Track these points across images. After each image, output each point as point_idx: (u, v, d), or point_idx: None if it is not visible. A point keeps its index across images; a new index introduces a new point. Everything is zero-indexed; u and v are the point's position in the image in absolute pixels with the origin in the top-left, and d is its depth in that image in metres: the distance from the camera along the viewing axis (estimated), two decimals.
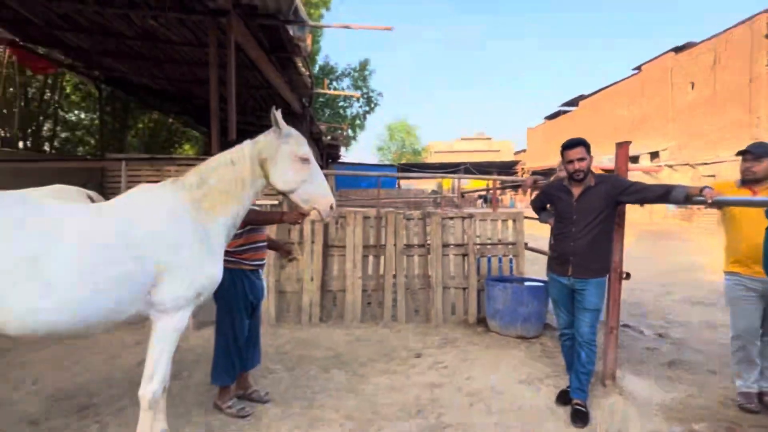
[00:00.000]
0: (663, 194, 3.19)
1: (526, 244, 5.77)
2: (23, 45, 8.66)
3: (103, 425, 3.12)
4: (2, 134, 10.54)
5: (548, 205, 3.78)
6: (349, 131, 21.63)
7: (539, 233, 6.08)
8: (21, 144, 11.42)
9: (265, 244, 3.47)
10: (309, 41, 7.92)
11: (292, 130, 2.75)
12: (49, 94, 12.47)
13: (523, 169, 39.98)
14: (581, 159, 3.29)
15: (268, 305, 5.44)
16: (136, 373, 3.99)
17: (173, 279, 2.42)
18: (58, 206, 2.32)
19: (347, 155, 27.41)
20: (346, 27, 7.51)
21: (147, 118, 16.76)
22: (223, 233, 2.67)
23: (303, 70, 9.01)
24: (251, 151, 2.69)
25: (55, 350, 4.55)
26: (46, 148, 12.71)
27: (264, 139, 2.72)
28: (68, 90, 13.47)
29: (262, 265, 3.45)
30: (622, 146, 3.68)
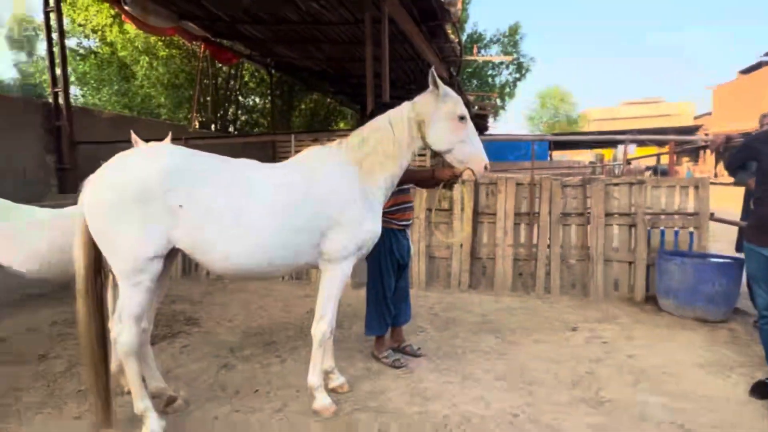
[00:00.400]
0: None
1: (711, 214, 4.94)
2: (213, 40, 10.13)
3: (282, 359, 3.62)
4: (200, 119, 12.59)
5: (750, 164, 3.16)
6: (497, 100, 20.80)
7: (725, 205, 5.18)
8: (213, 126, 13.52)
9: (411, 205, 3.57)
10: (459, 5, 7.75)
11: (450, 90, 2.77)
12: (232, 83, 14.46)
13: (706, 134, 34.04)
14: None
15: (418, 269, 5.65)
16: (305, 319, 4.54)
17: (340, 232, 2.65)
18: (254, 166, 2.69)
19: (495, 126, 26.43)
20: None
21: (308, 99, 18.35)
22: (381, 192, 2.82)
23: (452, 37, 8.88)
24: (409, 113, 2.76)
25: (244, 296, 5.40)
26: (231, 129, 14.83)
27: (422, 99, 2.77)
28: (246, 78, 15.42)
29: (408, 226, 3.58)
30: None
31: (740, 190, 4.76)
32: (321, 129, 16.48)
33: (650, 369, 3.38)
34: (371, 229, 2.77)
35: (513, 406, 2.88)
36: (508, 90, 22.71)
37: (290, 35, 9.23)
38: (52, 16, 6.80)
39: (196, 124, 10.85)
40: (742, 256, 4.57)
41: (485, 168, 2.77)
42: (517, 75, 22.72)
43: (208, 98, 13.17)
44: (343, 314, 4.51)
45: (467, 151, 2.75)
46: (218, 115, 13.89)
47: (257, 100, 17.25)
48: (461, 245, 5.56)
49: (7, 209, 2.98)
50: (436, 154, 3.05)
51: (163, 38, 12.09)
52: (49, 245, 2.88)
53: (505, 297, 5.26)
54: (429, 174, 3.26)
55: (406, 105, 2.80)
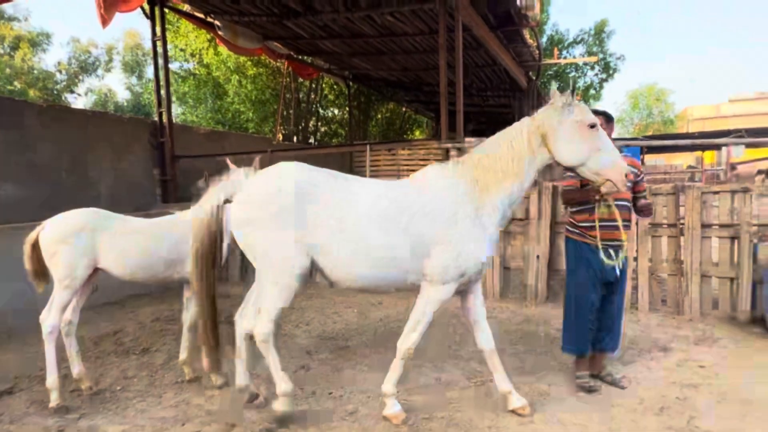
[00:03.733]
0: None
1: None
2: (295, 57, 10.73)
3: (355, 363, 3.73)
4: (283, 131, 13.37)
5: None
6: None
7: None
8: (294, 138, 14.26)
9: (616, 223, 3.03)
10: (537, 9, 7.55)
11: (575, 100, 2.62)
12: (312, 96, 15.18)
13: None
14: None
15: (492, 280, 5.54)
16: (378, 326, 4.64)
17: (443, 252, 2.61)
18: (370, 183, 2.89)
19: None
20: None
21: (384, 108, 18.73)
22: (498, 212, 2.70)
23: (530, 41, 8.65)
24: (529, 127, 2.65)
25: (319, 302, 5.63)
26: (311, 140, 15.54)
27: (543, 112, 2.65)
28: (325, 91, 16.11)
29: (612, 245, 3.11)
30: None
31: None
32: (395, 139, 16.69)
33: (760, 401, 3.02)
34: (475, 253, 2.64)
35: (593, 430, 2.73)
36: (593, 92, 21.55)
37: (366, 48, 9.54)
38: (159, 44, 7.61)
39: (280, 136, 11.52)
40: None
41: (626, 176, 2.57)
42: (604, 75, 21.49)
43: (291, 111, 13.92)
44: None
45: (602, 161, 2.55)
46: (299, 127, 14.62)
47: (335, 111, 17.92)
48: (537, 256, 5.37)
49: (108, 218, 3.31)
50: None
51: (251, 58, 13.00)
52: (140, 251, 3.20)
53: None
54: (593, 195, 2.98)
55: (525, 120, 2.71)
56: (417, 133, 23.16)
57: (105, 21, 6.54)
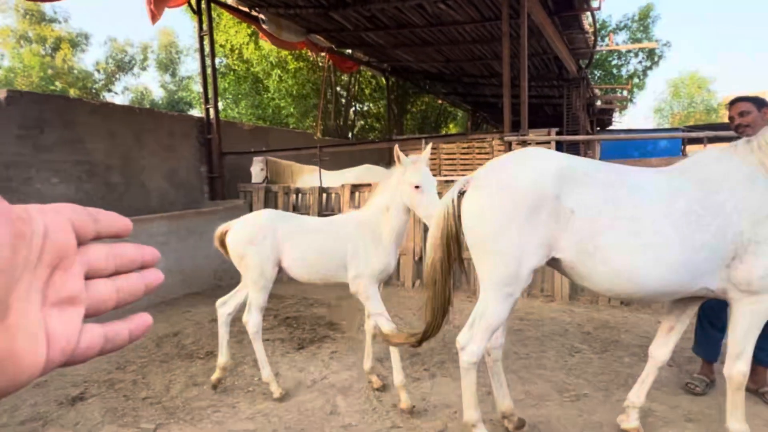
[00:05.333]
0: None
1: None
2: (336, 50, 10.54)
3: (431, 373, 3.51)
4: (323, 126, 13.26)
5: None
6: (625, 93, 18.96)
7: None
8: (334, 133, 14.14)
9: None
10: None
11: None
12: (351, 90, 15.01)
13: None
14: None
15: (561, 281, 5.23)
16: (446, 331, 4.38)
17: (759, 253, 2.13)
18: (636, 171, 2.41)
19: (621, 121, 24.18)
20: None
21: (419, 102, 18.41)
22: None
23: (588, 27, 8.19)
24: None
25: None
26: (349, 135, 15.40)
27: None
28: (363, 84, 15.91)
29: None
30: None
31: None
32: (454, 134, 16.41)
33: None
34: None
35: None
36: (637, 80, 20.67)
37: (411, 39, 9.25)
38: (206, 39, 7.53)
39: (319, 131, 11.39)
40: None
41: None
42: (648, 63, 20.60)
43: (330, 106, 13.78)
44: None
45: None
46: (338, 121, 14.48)
47: (372, 106, 17.72)
48: None
49: (287, 218, 3.25)
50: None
51: (292, 52, 12.90)
52: (315, 251, 3.07)
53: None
54: None
55: None
56: (451, 126, 22.75)
57: (154, 16, 6.48)
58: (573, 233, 2.22)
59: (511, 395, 2.72)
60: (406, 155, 2.84)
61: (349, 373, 3.54)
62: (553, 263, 2.40)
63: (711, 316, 3.15)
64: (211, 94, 7.50)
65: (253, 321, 3.15)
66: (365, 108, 17.31)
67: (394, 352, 2.96)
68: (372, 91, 16.45)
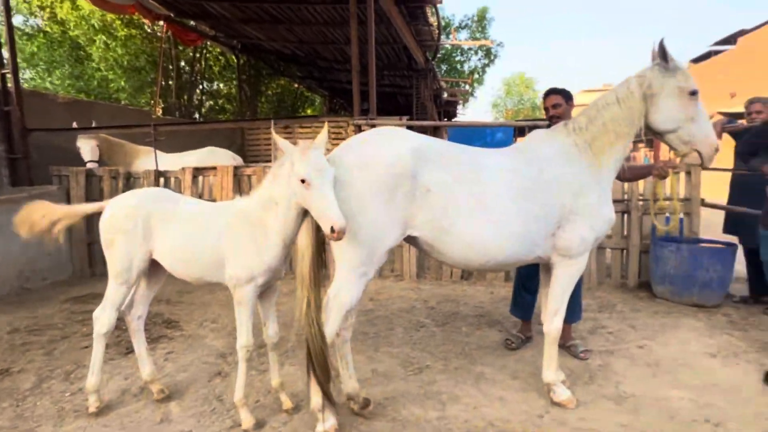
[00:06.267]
0: None
1: (702, 200, 4.96)
2: (176, 20, 9.49)
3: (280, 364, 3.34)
4: (164, 105, 11.87)
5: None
6: (467, 87, 20.73)
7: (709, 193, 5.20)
8: (177, 113, 12.80)
9: None
10: None
11: (679, 63, 2.54)
12: (197, 66, 13.71)
13: None
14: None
15: (409, 260, 5.46)
16: (291, 319, 4.27)
17: (578, 222, 2.49)
18: (485, 153, 2.57)
19: (464, 113, 26.41)
20: None
21: (275, 84, 17.70)
22: (612, 175, 2.65)
23: (432, 19, 8.63)
24: (638, 86, 2.53)
25: (224, 295, 5.05)
26: (196, 115, 14.10)
27: (650, 73, 2.54)
28: (211, 61, 14.67)
29: None
30: None
31: (720, 177, 4.79)
32: (301, 116, 15.95)
33: (664, 360, 3.32)
34: (609, 216, 2.61)
35: (534, 406, 2.74)
36: (477, 76, 22.72)
37: (259, 14, 8.75)
38: None
39: (159, 110, 10.19)
40: (730, 239, 4.65)
41: (716, 150, 2.55)
42: (486, 61, 22.77)
43: (171, 82, 12.42)
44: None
45: (695, 131, 2.50)
46: (182, 100, 13.15)
47: (221, 85, 16.49)
48: None
49: (161, 199, 2.66)
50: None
51: (121, 16, 11.24)
52: (184, 243, 2.53)
53: (500, 288, 5.14)
54: (647, 171, 3.10)
55: (632, 79, 2.57)
56: (309, 111, 22.41)
57: None
58: (428, 210, 2.33)
59: (357, 376, 2.72)
60: (294, 142, 2.26)
61: (185, 374, 3.21)
62: (411, 241, 2.49)
63: (525, 282, 3.56)
64: (8, 56, 6.13)
65: (105, 319, 2.64)
66: (214, 87, 16.03)
67: (272, 353, 2.72)
68: (221, 69, 15.29)
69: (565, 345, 3.47)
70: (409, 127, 5.83)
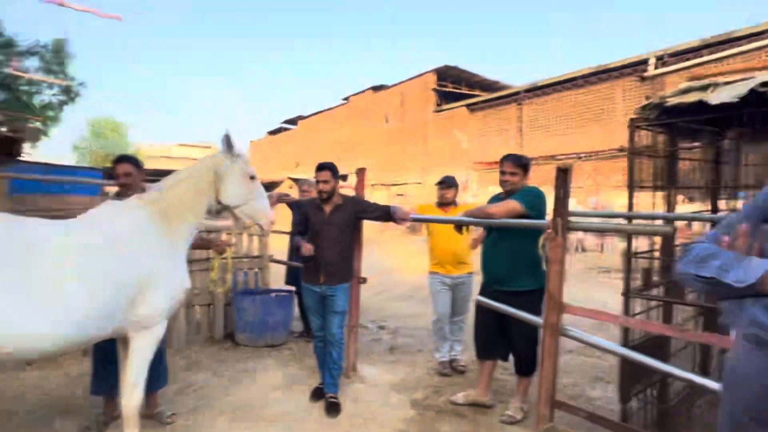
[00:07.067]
0: (386, 213, 3.96)
1: (271, 256, 6.03)
2: None
3: None
4: None
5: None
6: (39, 124, 17.31)
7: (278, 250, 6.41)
8: None
9: None
10: None
11: (242, 150, 3.04)
12: None
13: None
14: (326, 182, 3.78)
15: None
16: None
17: (154, 294, 2.59)
18: (45, 225, 2.38)
19: (32, 154, 21.67)
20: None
21: None
22: (186, 243, 2.88)
23: None
24: (207, 167, 2.93)
25: None
26: None
27: (219, 158, 2.96)
28: None
29: None
30: (361, 172, 4.41)
31: (284, 237, 6.05)
32: None
33: (245, 403, 3.77)
34: (184, 284, 2.80)
35: None
36: (51, 113, 19.40)
37: None
38: None
39: None
40: (291, 288, 5.84)
41: (272, 222, 3.17)
42: (64, 98, 19.82)
43: None
44: None
45: (256, 206, 3.05)
46: None
47: None
48: None
49: None
50: None
51: None
52: None
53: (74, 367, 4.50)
54: (208, 245, 4.02)
55: (206, 160, 2.99)
56: None
57: None
58: None
59: None
60: None
61: None
62: None
63: (108, 353, 3.20)
64: None
65: None
66: None
67: None
68: None
69: (153, 414, 3.42)
70: None
